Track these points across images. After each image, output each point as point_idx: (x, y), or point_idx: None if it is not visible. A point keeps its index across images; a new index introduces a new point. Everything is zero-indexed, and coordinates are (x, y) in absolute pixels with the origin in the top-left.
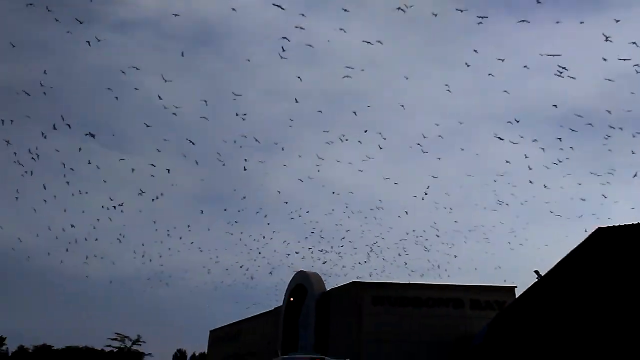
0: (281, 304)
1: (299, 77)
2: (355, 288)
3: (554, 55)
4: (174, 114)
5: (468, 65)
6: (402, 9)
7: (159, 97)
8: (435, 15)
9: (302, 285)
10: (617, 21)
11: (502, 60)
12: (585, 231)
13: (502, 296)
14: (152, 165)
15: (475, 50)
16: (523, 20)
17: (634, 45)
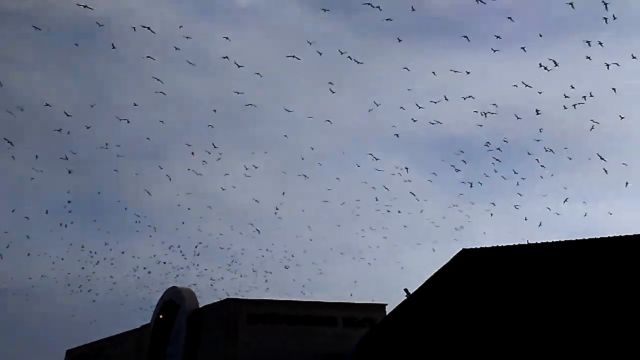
0: (149, 321)
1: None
2: (231, 305)
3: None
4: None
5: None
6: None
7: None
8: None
9: (173, 302)
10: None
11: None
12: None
13: (373, 314)
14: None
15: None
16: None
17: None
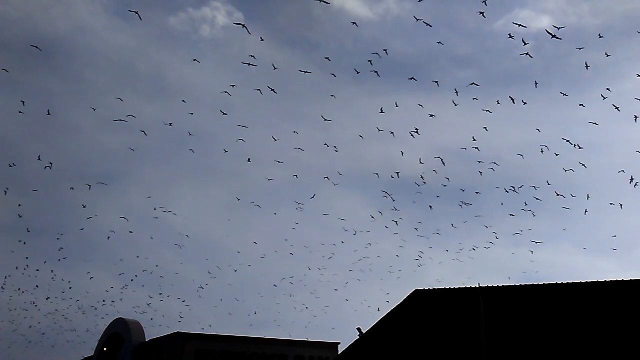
0: (92, 354)
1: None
2: (178, 339)
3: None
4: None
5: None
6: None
7: None
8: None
9: (119, 334)
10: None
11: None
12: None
13: (325, 352)
14: None
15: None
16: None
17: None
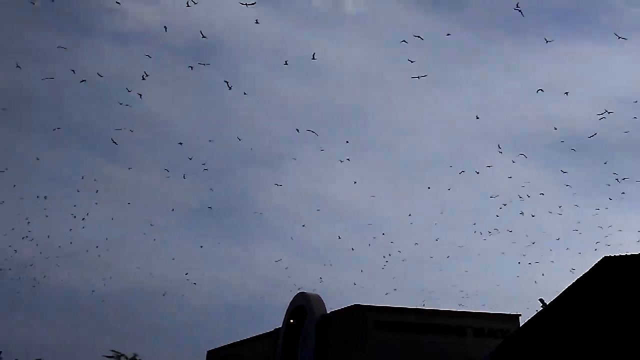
0: (281, 325)
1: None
2: (357, 311)
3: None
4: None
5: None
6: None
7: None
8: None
9: (303, 307)
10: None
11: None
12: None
13: (506, 324)
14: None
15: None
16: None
17: None
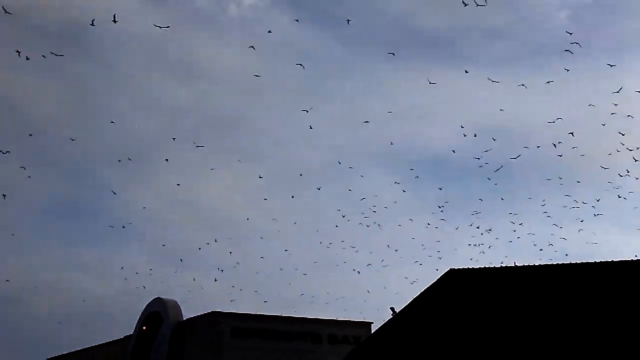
0: (132, 332)
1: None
2: (215, 318)
3: None
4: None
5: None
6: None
7: None
8: None
9: (158, 313)
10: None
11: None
12: (437, 270)
13: (358, 331)
14: None
15: None
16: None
17: None
